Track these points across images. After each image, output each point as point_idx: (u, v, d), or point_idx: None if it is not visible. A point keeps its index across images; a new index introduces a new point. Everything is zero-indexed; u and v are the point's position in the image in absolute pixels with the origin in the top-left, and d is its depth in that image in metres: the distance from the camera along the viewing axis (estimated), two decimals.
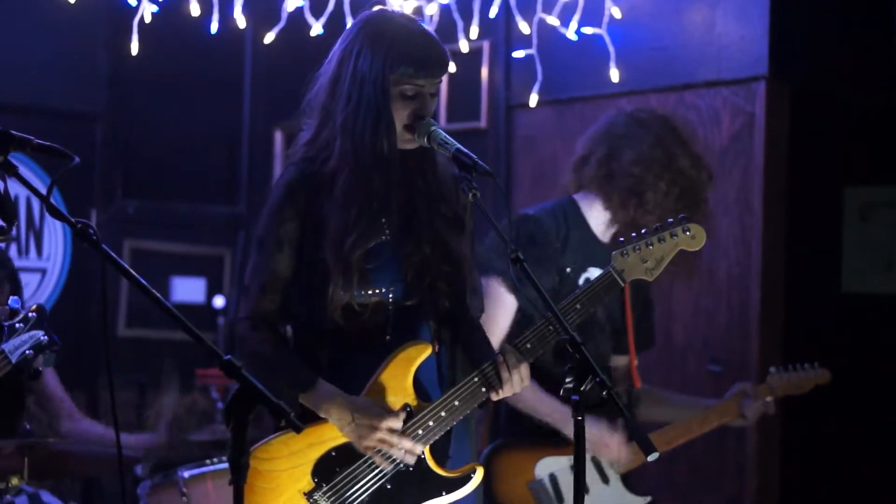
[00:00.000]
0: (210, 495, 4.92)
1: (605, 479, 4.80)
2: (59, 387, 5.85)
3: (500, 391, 3.70)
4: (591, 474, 4.77)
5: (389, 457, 3.66)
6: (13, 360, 3.77)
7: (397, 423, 3.64)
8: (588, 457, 4.74)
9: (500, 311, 4.69)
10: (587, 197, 4.90)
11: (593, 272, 4.80)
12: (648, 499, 4.88)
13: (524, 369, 3.71)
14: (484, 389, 3.70)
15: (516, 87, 6.91)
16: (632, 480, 4.88)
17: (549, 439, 4.74)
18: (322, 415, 3.66)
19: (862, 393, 6.23)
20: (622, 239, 3.93)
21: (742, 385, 5.03)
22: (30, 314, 3.89)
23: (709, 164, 4.95)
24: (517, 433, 4.87)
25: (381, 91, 3.67)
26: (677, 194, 4.76)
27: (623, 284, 3.88)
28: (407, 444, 3.64)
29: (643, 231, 3.91)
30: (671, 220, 3.93)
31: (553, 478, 4.75)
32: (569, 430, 4.60)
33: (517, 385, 3.70)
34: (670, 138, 4.81)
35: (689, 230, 3.91)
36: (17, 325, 3.84)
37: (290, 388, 3.64)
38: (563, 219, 4.84)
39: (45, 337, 3.90)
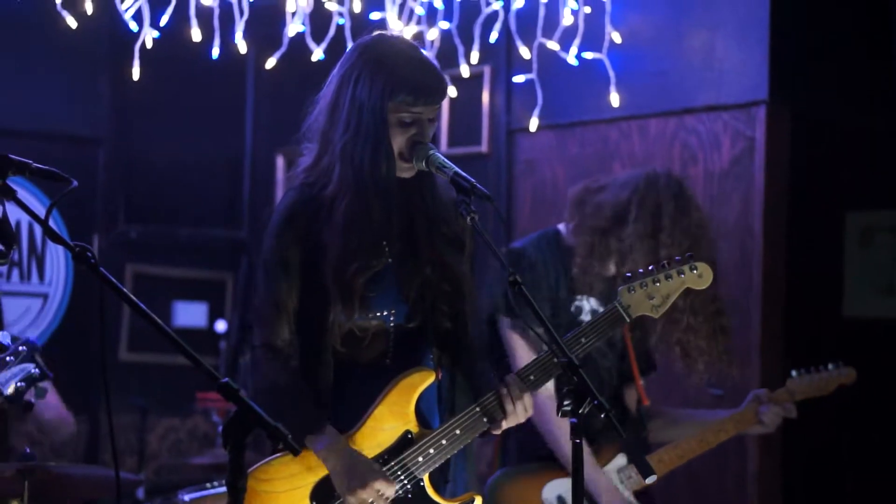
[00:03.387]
0: None
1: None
2: (56, 404, 5.86)
3: (504, 422, 3.70)
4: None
5: None
6: (5, 392, 3.78)
7: (389, 490, 3.62)
8: (606, 468, 4.80)
9: (521, 352, 4.71)
10: (567, 226, 4.93)
11: (580, 300, 4.82)
12: None
13: (527, 399, 3.71)
14: (486, 420, 3.70)
15: (517, 111, 6.92)
16: (646, 497, 4.89)
17: (555, 462, 4.74)
18: (320, 458, 3.65)
19: (863, 415, 6.23)
20: (629, 274, 3.94)
21: (757, 392, 5.03)
22: (20, 348, 3.91)
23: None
24: (525, 459, 4.88)
25: (380, 119, 3.68)
26: (631, 262, 4.77)
27: (628, 320, 3.89)
28: None
29: (650, 267, 3.92)
30: (679, 257, 3.95)
31: (561, 500, 4.76)
32: (603, 501, 4.66)
33: (521, 415, 3.70)
34: (647, 211, 4.77)
35: (696, 268, 3.92)
36: (7, 358, 3.86)
37: (298, 427, 3.60)
38: (548, 248, 4.86)
39: (37, 370, 3.91)
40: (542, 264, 4.80)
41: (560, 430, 4.64)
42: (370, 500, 3.59)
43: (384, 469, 3.65)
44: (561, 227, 4.96)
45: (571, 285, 4.83)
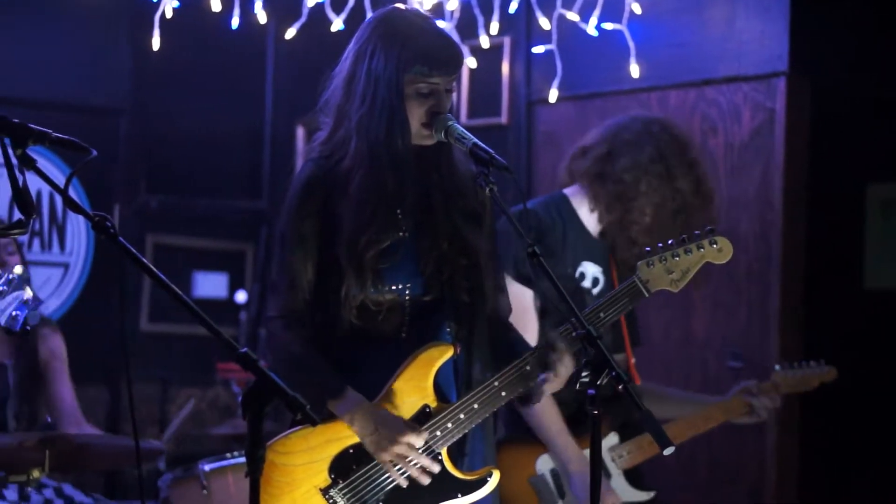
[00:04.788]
0: (230, 488, 4.94)
1: (607, 474, 4.80)
2: (70, 395, 5.88)
3: (555, 375, 3.68)
4: None
5: (404, 472, 3.67)
6: (1, 323, 3.78)
7: (418, 441, 3.64)
8: (588, 452, 4.77)
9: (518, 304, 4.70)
10: (577, 192, 4.88)
11: (587, 266, 4.82)
12: (652, 494, 4.87)
13: (569, 360, 3.72)
14: (526, 380, 3.70)
15: (537, 82, 6.92)
16: (636, 475, 4.87)
17: None
18: (345, 422, 3.66)
19: (882, 388, 6.22)
20: (648, 249, 3.94)
21: (746, 383, 5.00)
22: (11, 276, 3.89)
23: (710, 189, 4.88)
24: (518, 428, 4.87)
25: (396, 91, 3.68)
26: (672, 211, 4.75)
27: (647, 295, 3.89)
28: (424, 461, 3.65)
29: (670, 242, 3.92)
30: (698, 231, 3.94)
31: (554, 473, 4.76)
32: (572, 469, 4.64)
33: (567, 370, 3.70)
34: (675, 156, 4.78)
35: (715, 243, 3.91)
36: (0, 287, 3.85)
37: (318, 393, 3.63)
38: (557, 213, 4.83)
39: (29, 296, 3.90)
40: (553, 229, 4.79)
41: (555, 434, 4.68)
42: (403, 454, 3.61)
43: None
44: (567, 192, 4.91)
45: (583, 251, 4.82)
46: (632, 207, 4.73)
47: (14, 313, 3.81)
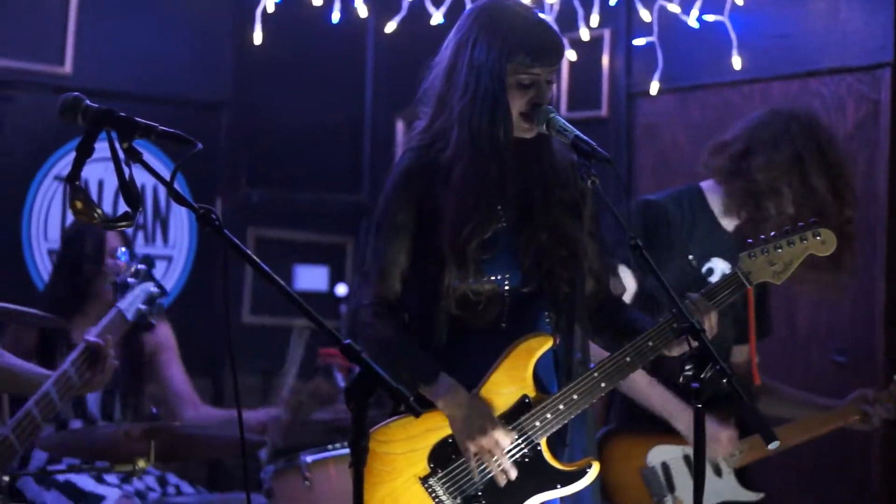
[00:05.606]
0: (332, 480, 4.97)
1: (717, 472, 4.78)
2: (183, 380, 5.96)
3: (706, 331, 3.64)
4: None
5: (483, 467, 3.66)
6: (130, 318, 3.79)
7: (506, 440, 3.64)
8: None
9: None
10: (713, 187, 4.86)
11: (716, 262, 4.79)
12: (761, 495, 4.84)
13: (714, 316, 3.72)
14: (627, 370, 3.69)
15: (637, 75, 6.88)
16: (747, 475, 4.84)
17: (663, 427, 4.73)
18: (439, 407, 3.67)
19: None
20: (750, 241, 3.90)
21: (863, 391, 4.95)
22: (139, 267, 3.89)
23: (850, 190, 4.80)
24: (631, 419, 4.86)
25: (498, 81, 3.68)
26: (809, 212, 4.69)
27: (749, 286, 3.86)
28: (506, 464, 3.65)
29: (772, 233, 3.88)
30: (801, 223, 3.90)
31: (665, 466, 4.74)
32: (679, 423, 4.62)
33: (710, 332, 3.68)
34: (813, 156, 4.73)
35: (819, 235, 3.87)
36: (128, 280, 3.85)
37: (411, 378, 3.65)
38: (688, 206, 4.82)
39: (156, 288, 3.91)
40: (680, 223, 4.77)
41: (651, 389, 4.66)
42: (488, 448, 3.61)
43: None
44: (704, 185, 4.91)
45: (714, 246, 4.80)
46: (764, 206, 4.69)
47: (142, 307, 3.83)
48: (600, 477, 4.60)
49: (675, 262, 4.73)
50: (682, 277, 4.69)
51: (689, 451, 4.69)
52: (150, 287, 3.88)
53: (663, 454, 4.75)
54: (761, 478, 4.91)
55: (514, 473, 3.65)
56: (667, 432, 4.71)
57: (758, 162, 4.70)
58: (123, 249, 3.91)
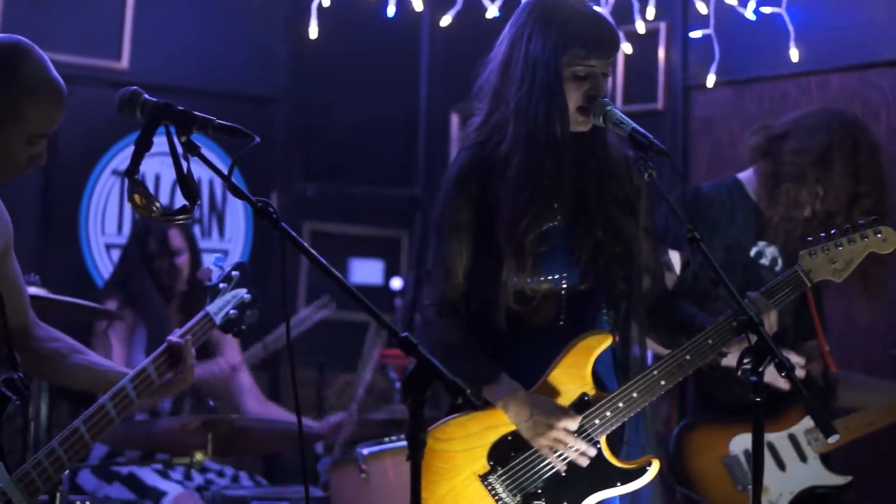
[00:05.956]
0: (389, 472, 4.97)
1: (802, 457, 4.79)
2: (247, 374, 6.00)
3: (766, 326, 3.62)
4: (788, 452, 4.78)
5: (562, 456, 3.66)
6: (217, 322, 3.77)
7: (573, 424, 3.63)
8: (785, 434, 4.80)
9: None
10: (750, 177, 4.94)
11: (763, 246, 4.84)
12: (849, 478, 4.83)
13: (774, 315, 3.72)
14: (687, 368, 3.68)
15: (693, 67, 6.84)
16: (832, 459, 4.83)
17: (742, 416, 4.72)
18: (500, 408, 3.66)
19: None
20: (810, 239, 3.90)
21: None
22: (233, 273, 3.88)
23: (876, 202, 4.79)
24: (709, 411, 4.87)
25: (554, 74, 3.67)
26: (820, 207, 4.72)
27: (809, 284, 3.85)
28: (581, 445, 3.64)
29: (832, 231, 3.88)
30: (862, 221, 3.89)
31: (748, 454, 4.74)
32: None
33: (770, 330, 3.66)
34: (845, 154, 4.74)
35: (880, 232, 3.87)
36: (220, 285, 3.85)
37: (473, 379, 3.63)
38: (727, 194, 4.86)
39: (249, 295, 3.90)
40: (721, 205, 4.81)
41: None
42: (560, 438, 3.60)
43: None
44: (740, 176, 4.96)
45: (758, 231, 4.81)
46: (781, 190, 4.75)
47: (231, 313, 3.83)
48: (683, 470, 4.61)
49: (726, 249, 4.75)
50: (734, 264, 4.71)
51: (771, 437, 4.74)
52: (243, 293, 3.87)
53: (745, 442, 4.74)
54: (847, 461, 4.89)
55: (593, 451, 3.64)
56: (746, 420, 4.70)
57: (790, 146, 4.78)
58: (219, 256, 3.92)
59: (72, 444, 3.46)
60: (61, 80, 3.44)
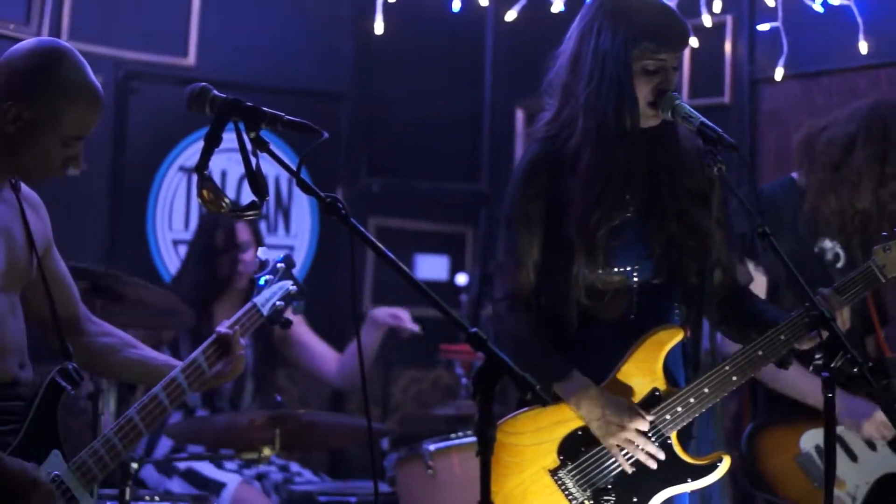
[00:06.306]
0: (455, 469, 4.97)
1: (871, 447, 4.76)
2: (318, 340, 6.04)
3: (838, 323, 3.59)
4: (857, 443, 4.74)
5: (631, 457, 3.65)
6: (265, 314, 3.82)
7: (644, 426, 3.63)
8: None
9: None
10: (799, 171, 4.95)
11: (825, 242, 4.80)
12: None
13: (846, 311, 3.69)
14: (758, 363, 3.66)
15: (761, 60, 6.78)
16: None
17: (808, 413, 4.69)
18: (572, 405, 3.66)
19: None
20: (885, 234, 3.88)
21: None
22: (278, 265, 3.92)
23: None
24: (779, 409, 4.84)
25: (624, 67, 3.66)
26: (835, 188, 4.73)
27: (884, 280, 3.82)
28: (651, 448, 3.63)
29: None
30: None
31: (819, 450, 4.72)
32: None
33: (843, 326, 3.65)
34: (874, 136, 4.73)
35: None
36: (267, 277, 3.89)
37: (544, 375, 3.62)
38: (784, 194, 4.84)
39: (295, 286, 3.93)
40: (781, 204, 4.78)
41: (805, 379, 4.61)
42: (630, 439, 3.59)
43: None
44: (794, 174, 4.96)
45: (809, 227, 4.78)
46: (820, 180, 4.77)
47: (278, 304, 3.86)
48: (756, 472, 4.58)
49: (792, 247, 4.72)
50: (799, 262, 4.68)
51: (841, 430, 4.71)
52: (289, 285, 3.90)
53: (815, 438, 4.73)
54: None
55: (662, 454, 3.64)
56: (813, 417, 4.68)
57: (826, 135, 4.84)
58: (264, 248, 3.95)
59: (126, 433, 3.53)
60: (98, 84, 3.49)
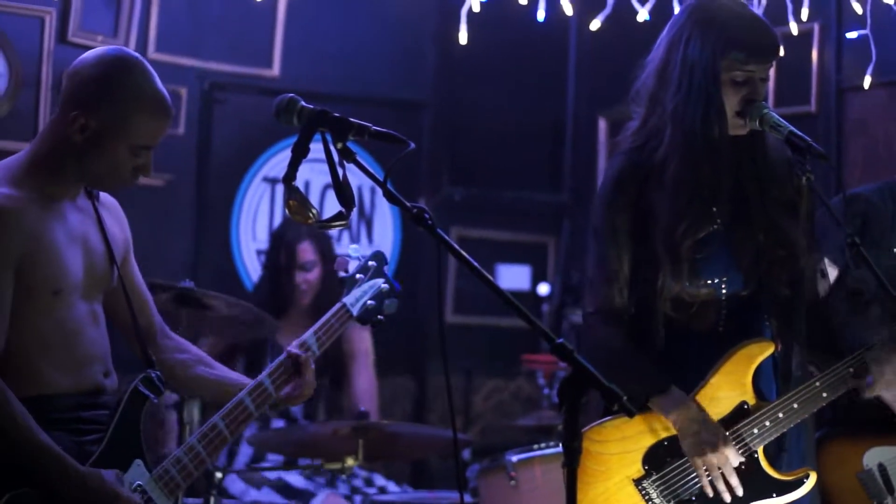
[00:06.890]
0: (538, 480, 4.95)
1: None
2: (370, 389, 6.01)
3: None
4: None
5: (709, 478, 3.61)
6: (355, 314, 3.76)
7: (736, 458, 3.59)
8: None
9: None
10: None
11: None
12: None
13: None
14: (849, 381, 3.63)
15: (848, 69, 6.71)
16: None
17: (876, 428, 4.62)
18: (669, 419, 3.63)
19: None
20: None
21: None
22: (370, 263, 3.86)
23: None
24: (844, 422, 4.77)
25: (712, 77, 3.63)
26: None
27: None
28: (733, 480, 3.59)
29: None
30: None
31: (882, 468, 4.63)
32: None
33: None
34: None
35: None
36: (357, 275, 3.83)
37: (641, 389, 3.61)
38: (890, 196, 4.74)
39: (386, 285, 3.87)
40: (881, 213, 4.70)
41: None
42: (718, 464, 3.56)
43: None
44: None
45: None
46: None
47: (369, 303, 3.80)
48: (819, 484, 4.51)
49: (881, 255, 4.65)
50: (890, 270, 4.60)
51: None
52: (381, 283, 3.84)
53: (879, 455, 4.63)
54: None
55: (740, 491, 3.60)
56: (881, 433, 4.60)
57: None
58: (355, 246, 3.89)
59: (210, 439, 3.52)
60: (167, 94, 3.49)
